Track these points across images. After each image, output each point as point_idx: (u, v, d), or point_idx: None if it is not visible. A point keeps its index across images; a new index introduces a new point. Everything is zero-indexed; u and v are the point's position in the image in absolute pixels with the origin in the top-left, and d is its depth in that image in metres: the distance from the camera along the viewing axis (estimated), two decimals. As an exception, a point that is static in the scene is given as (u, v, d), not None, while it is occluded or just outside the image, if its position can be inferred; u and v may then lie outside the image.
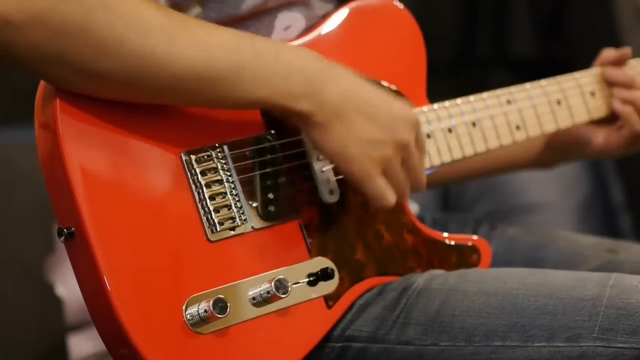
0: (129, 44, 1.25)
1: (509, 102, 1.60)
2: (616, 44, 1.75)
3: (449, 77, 2.75)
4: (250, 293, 1.33)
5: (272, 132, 1.41)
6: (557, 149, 1.77)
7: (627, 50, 1.73)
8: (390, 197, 1.39)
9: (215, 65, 1.29)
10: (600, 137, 1.73)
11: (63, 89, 1.28)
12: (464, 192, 2.69)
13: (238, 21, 1.46)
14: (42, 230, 2.17)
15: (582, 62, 1.79)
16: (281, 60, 1.32)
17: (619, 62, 1.72)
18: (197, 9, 1.43)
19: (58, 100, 1.28)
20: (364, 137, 1.36)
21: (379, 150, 1.37)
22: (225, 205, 1.35)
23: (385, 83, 1.52)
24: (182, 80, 1.29)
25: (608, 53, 1.73)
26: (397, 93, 1.53)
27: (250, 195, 1.38)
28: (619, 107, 1.70)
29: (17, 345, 2.26)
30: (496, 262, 1.59)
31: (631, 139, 1.71)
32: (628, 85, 1.70)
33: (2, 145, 2.34)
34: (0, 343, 2.24)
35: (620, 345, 1.30)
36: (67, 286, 2.23)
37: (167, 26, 1.27)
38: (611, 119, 1.72)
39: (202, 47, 1.28)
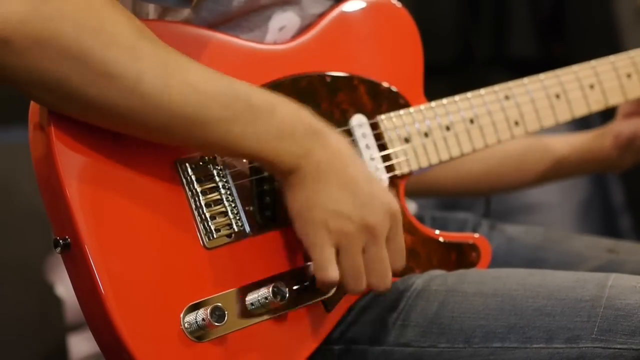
0: (121, 81, 1.23)
1: (507, 97, 1.60)
2: (616, 44, 1.75)
3: (449, 77, 2.75)
4: (248, 299, 1.33)
5: None
6: (624, 147, 1.78)
7: None
8: (332, 273, 1.32)
9: (206, 114, 1.27)
10: None
11: (51, 110, 1.27)
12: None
13: (230, 21, 1.45)
14: (42, 230, 2.17)
15: (582, 62, 1.78)
16: (276, 118, 1.30)
17: None
18: (187, 9, 1.42)
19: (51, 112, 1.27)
20: (329, 206, 1.31)
21: (339, 224, 1.31)
22: (222, 212, 1.35)
23: (385, 84, 1.52)
24: (169, 125, 1.27)
25: None
26: (397, 93, 1.52)
27: (246, 201, 1.37)
28: None
29: (17, 345, 2.26)
30: (496, 262, 1.59)
31: None
32: None
33: (2, 145, 2.34)
34: (0, 343, 2.24)
35: (619, 346, 1.30)
36: (67, 286, 2.23)
37: (162, 69, 1.25)
38: None
39: (195, 95, 1.26)
